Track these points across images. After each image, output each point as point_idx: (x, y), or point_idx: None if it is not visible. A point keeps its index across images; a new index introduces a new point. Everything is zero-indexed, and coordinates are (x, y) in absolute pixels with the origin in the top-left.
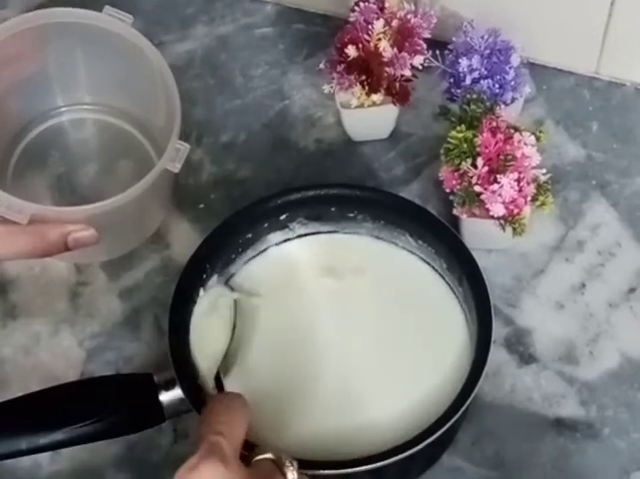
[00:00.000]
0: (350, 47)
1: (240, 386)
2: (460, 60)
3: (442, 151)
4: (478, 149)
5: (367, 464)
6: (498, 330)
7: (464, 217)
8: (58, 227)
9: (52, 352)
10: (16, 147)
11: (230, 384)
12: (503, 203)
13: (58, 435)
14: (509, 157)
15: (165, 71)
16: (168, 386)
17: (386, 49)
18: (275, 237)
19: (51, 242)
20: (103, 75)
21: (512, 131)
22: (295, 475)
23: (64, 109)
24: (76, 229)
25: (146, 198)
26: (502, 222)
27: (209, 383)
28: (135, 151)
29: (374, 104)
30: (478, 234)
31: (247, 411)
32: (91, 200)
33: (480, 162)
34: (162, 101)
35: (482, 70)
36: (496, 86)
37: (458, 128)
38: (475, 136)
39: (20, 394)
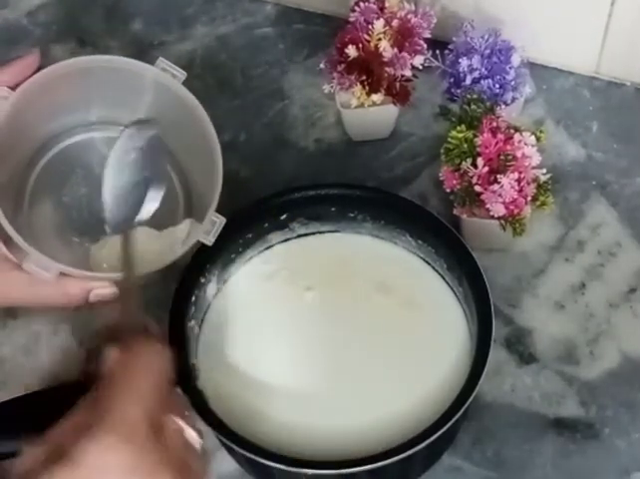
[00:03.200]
0: (350, 47)
1: (242, 378)
2: (460, 60)
3: (442, 151)
4: (478, 149)
5: (367, 464)
6: (498, 330)
7: (464, 217)
8: (81, 282)
9: (52, 352)
10: (38, 161)
11: (232, 374)
12: (504, 203)
13: None
14: (510, 157)
15: (213, 140)
16: None
17: (386, 49)
18: (275, 236)
19: (72, 297)
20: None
21: (513, 131)
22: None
23: (94, 125)
24: (98, 285)
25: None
26: (503, 222)
27: None
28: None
29: (374, 104)
30: (478, 234)
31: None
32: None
33: (480, 162)
34: (210, 160)
35: (483, 70)
36: (497, 86)
37: (458, 128)
38: (475, 136)
39: (20, 394)
